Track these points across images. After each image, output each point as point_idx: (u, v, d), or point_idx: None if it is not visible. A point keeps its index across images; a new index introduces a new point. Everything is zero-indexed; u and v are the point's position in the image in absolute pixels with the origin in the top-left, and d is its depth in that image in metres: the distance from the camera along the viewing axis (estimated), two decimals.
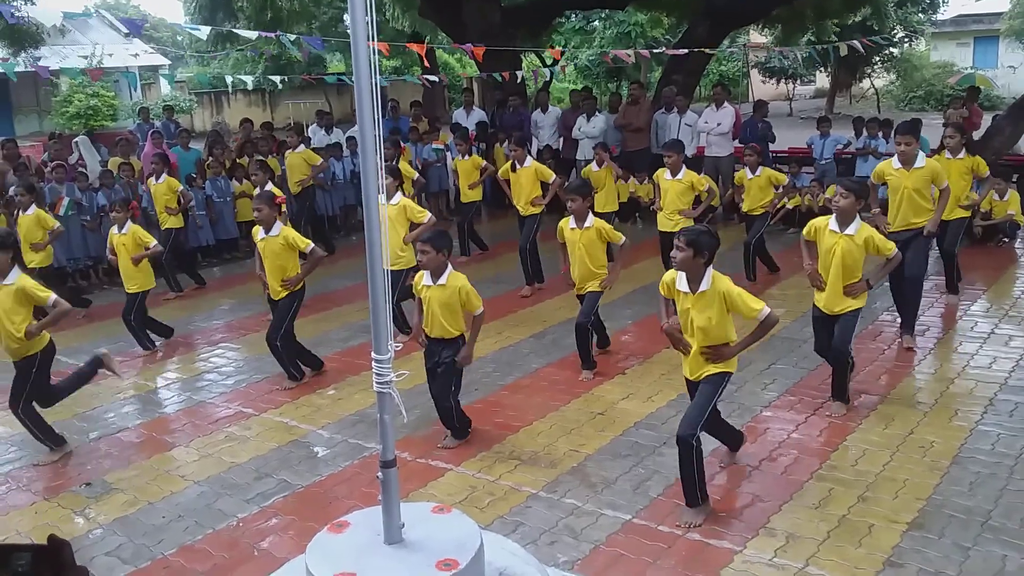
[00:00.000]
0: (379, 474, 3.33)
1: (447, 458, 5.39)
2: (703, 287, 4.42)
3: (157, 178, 10.01)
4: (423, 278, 5.40)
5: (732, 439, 5.11)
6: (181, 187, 10.22)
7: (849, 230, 5.58)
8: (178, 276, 10.07)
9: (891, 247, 5.66)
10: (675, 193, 8.32)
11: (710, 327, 4.44)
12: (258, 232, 6.74)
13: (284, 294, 6.70)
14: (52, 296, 5.45)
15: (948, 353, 6.94)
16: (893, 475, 4.87)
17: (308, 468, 5.36)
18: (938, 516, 4.43)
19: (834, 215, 5.70)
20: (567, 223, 6.73)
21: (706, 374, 4.56)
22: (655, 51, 14.13)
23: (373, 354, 3.38)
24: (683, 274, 4.50)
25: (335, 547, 3.27)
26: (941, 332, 7.48)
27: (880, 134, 12.05)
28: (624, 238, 6.73)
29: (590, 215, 6.69)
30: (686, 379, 4.76)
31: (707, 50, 13.19)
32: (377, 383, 3.38)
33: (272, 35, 11.68)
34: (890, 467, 4.98)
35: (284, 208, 7.88)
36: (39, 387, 5.65)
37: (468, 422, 5.65)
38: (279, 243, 6.59)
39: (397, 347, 3.45)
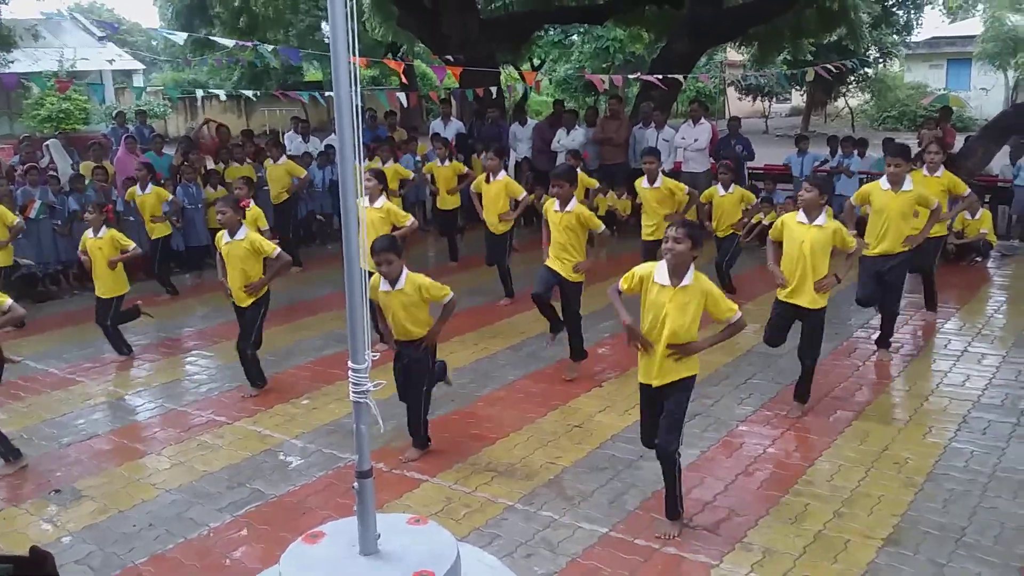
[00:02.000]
0: (355, 484, 3.31)
1: (422, 469, 5.34)
2: (686, 282, 4.35)
3: (143, 188, 9.90)
4: (380, 284, 5.34)
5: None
6: (171, 196, 10.12)
7: (818, 221, 5.70)
8: (148, 283, 9.99)
9: (854, 242, 5.87)
10: (655, 200, 8.37)
11: (683, 323, 4.35)
12: (222, 237, 6.60)
13: (250, 301, 6.59)
14: (8, 301, 5.29)
15: (922, 370, 7.00)
16: (868, 491, 4.89)
17: (281, 478, 5.30)
18: (913, 532, 4.45)
19: (800, 208, 5.82)
20: (551, 205, 6.81)
21: (671, 380, 4.45)
22: (630, 76, 14.25)
23: (350, 363, 3.37)
24: (663, 268, 4.39)
25: (310, 557, 3.23)
26: (915, 349, 7.54)
27: (855, 152, 12.20)
28: (604, 227, 6.87)
29: (573, 200, 6.74)
30: (643, 385, 4.59)
31: (680, 76, 13.26)
32: (354, 393, 3.36)
33: (250, 44, 11.60)
34: (865, 483, 5.00)
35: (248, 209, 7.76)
36: None
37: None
38: (244, 247, 6.46)
39: (374, 356, 3.45)
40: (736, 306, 4.47)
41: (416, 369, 5.42)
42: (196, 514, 4.86)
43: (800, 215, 5.81)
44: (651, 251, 8.16)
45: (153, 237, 10.04)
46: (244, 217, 6.86)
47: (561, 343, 7.08)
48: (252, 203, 7.85)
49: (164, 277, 10.15)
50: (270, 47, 11.98)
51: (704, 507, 4.78)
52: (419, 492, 5.05)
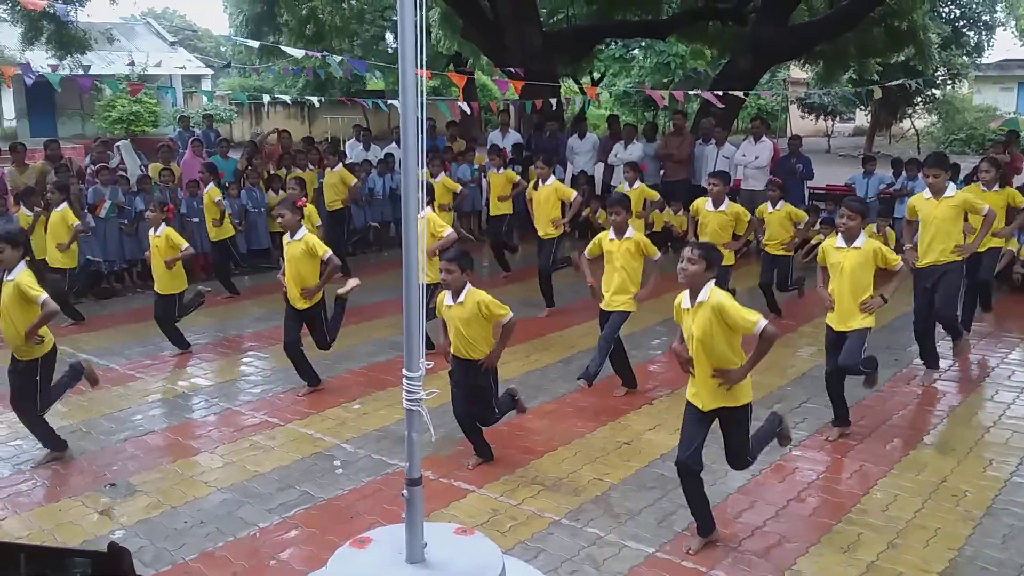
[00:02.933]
0: (404, 492, 3.33)
1: (470, 479, 5.35)
2: (701, 298, 4.34)
3: (205, 186, 10.15)
4: (445, 298, 5.39)
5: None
6: (218, 197, 10.34)
7: (855, 244, 5.70)
8: (209, 283, 10.18)
9: (898, 259, 5.81)
10: (717, 225, 8.14)
11: (707, 340, 4.30)
12: (284, 237, 6.84)
13: (306, 304, 6.74)
14: (42, 296, 5.39)
15: (983, 401, 6.81)
16: (924, 523, 4.77)
17: (330, 481, 5.35)
18: (969, 568, 4.33)
19: (839, 234, 5.79)
20: (606, 236, 6.75)
21: (719, 405, 4.39)
22: (690, 92, 14.18)
23: (404, 371, 3.40)
24: (686, 292, 4.43)
25: (357, 562, 3.25)
26: (977, 379, 7.35)
27: (919, 175, 11.93)
28: (660, 254, 6.81)
29: (630, 228, 6.70)
30: (693, 406, 4.50)
31: (742, 94, 13.12)
32: (407, 400, 3.39)
33: (318, 55, 11.82)
34: (921, 515, 4.87)
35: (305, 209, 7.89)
36: (44, 392, 5.61)
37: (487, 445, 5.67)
38: (300, 248, 6.64)
39: (428, 365, 3.47)
40: (758, 315, 4.33)
41: (479, 398, 5.47)
42: (246, 514, 4.93)
43: (839, 240, 5.79)
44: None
45: (213, 239, 10.30)
46: (302, 217, 6.99)
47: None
48: (306, 201, 7.99)
49: (226, 278, 10.35)
50: (338, 58, 12.15)
51: (754, 532, 4.70)
52: (466, 502, 5.06)
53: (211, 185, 10.28)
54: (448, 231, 7.53)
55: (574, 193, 9.10)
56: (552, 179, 9.02)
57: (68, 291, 8.90)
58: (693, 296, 4.38)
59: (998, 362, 7.73)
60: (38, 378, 5.54)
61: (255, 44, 11.17)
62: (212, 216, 10.23)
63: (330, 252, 6.73)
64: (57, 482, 5.40)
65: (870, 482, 5.31)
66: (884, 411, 6.49)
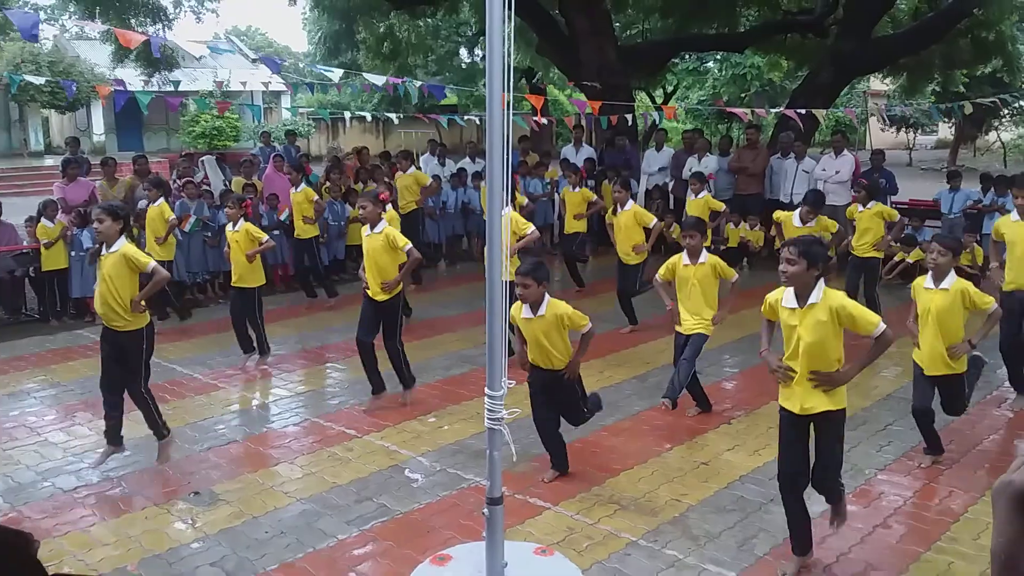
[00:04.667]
0: (485, 510, 3.33)
1: (545, 496, 5.32)
2: (813, 299, 4.17)
3: (296, 187, 10.35)
4: (521, 310, 5.39)
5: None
6: (316, 196, 10.52)
7: (944, 284, 5.46)
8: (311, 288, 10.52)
9: (989, 300, 5.53)
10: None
11: (819, 344, 4.15)
12: (364, 230, 6.90)
13: (385, 297, 6.80)
14: (152, 263, 5.55)
15: None
16: (980, 517, 4.58)
17: (407, 495, 5.38)
18: None
19: (930, 272, 5.57)
20: (680, 260, 6.62)
21: (817, 410, 4.22)
22: (772, 110, 13.99)
23: (487, 390, 3.41)
24: (790, 290, 4.25)
25: None
26: None
27: (1009, 191, 11.52)
28: (737, 275, 6.66)
29: (704, 251, 6.61)
30: (787, 411, 4.35)
31: (820, 112, 12.88)
32: (489, 419, 3.40)
33: (399, 81, 12.05)
34: (977, 512, 4.70)
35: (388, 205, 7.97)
36: (147, 365, 5.75)
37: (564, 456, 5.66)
38: (380, 240, 6.73)
39: (511, 384, 3.47)
40: (878, 318, 4.19)
41: (569, 403, 5.55)
42: (325, 525, 4.99)
43: (928, 280, 5.56)
44: None
45: (300, 237, 10.42)
46: (384, 210, 7.09)
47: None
48: (389, 197, 8.08)
49: (307, 283, 10.52)
50: (418, 83, 12.35)
51: (839, 558, 4.57)
52: (541, 520, 5.03)
53: (303, 185, 10.42)
54: (531, 229, 7.57)
55: (654, 219, 8.96)
56: (631, 204, 8.91)
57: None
58: (801, 296, 4.20)
59: None
60: (144, 347, 5.68)
61: (336, 75, 11.39)
62: (305, 214, 10.35)
63: (409, 244, 6.79)
64: (142, 489, 5.55)
65: (960, 509, 5.12)
66: (973, 436, 6.27)
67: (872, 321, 4.15)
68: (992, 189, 11.57)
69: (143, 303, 5.60)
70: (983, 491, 5.34)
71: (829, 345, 4.17)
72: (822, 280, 4.21)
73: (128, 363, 5.69)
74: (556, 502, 5.24)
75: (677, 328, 6.64)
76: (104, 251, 5.59)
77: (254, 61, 30.42)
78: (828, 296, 4.18)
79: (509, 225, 7.42)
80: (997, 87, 23.48)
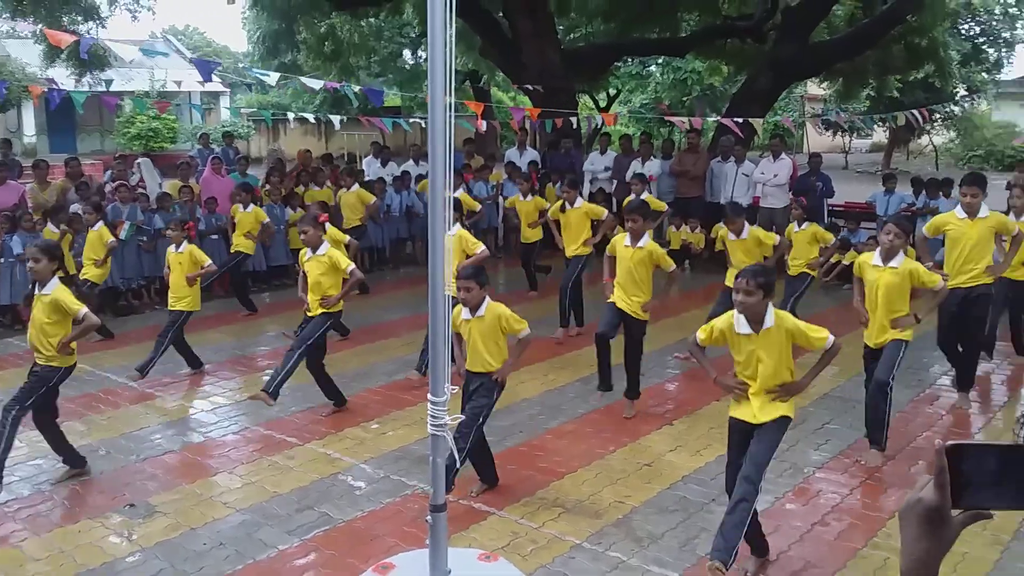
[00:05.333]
0: (428, 517, 3.28)
1: (490, 502, 5.30)
2: (767, 324, 4.34)
3: (245, 207, 10.21)
4: (461, 313, 5.35)
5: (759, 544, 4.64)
6: (266, 220, 10.37)
7: (893, 263, 5.63)
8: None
9: (936, 278, 5.71)
10: (742, 252, 7.81)
11: (777, 364, 4.34)
12: (305, 253, 6.90)
13: (320, 311, 6.77)
14: (83, 309, 5.45)
15: (1009, 422, 6.71)
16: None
17: (349, 503, 5.31)
18: None
19: (878, 251, 5.73)
20: (622, 239, 6.78)
21: (770, 419, 4.34)
22: (710, 119, 14.21)
23: (429, 396, 3.36)
24: (741, 316, 4.40)
25: None
26: (1002, 399, 7.25)
27: (940, 194, 11.84)
28: (674, 265, 6.81)
29: (646, 236, 6.69)
30: (736, 420, 4.46)
31: (756, 120, 13.08)
32: (432, 425, 3.35)
33: (337, 85, 11.93)
34: None
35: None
36: (46, 401, 5.63)
37: (493, 469, 5.52)
38: (324, 263, 6.73)
39: (454, 390, 3.43)
40: (826, 332, 4.41)
41: (472, 409, 5.28)
42: (265, 535, 4.90)
43: (875, 258, 5.73)
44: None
45: (233, 249, 10.30)
46: (325, 232, 7.06)
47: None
48: (327, 217, 8.01)
49: (243, 295, 10.36)
50: (356, 87, 12.22)
51: (779, 556, 4.63)
52: (486, 525, 5.01)
53: (252, 206, 10.29)
54: (481, 248, 7.49)
55: (606, 212, 9.04)
56: (580, 201, 8.94)
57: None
58: (755, 322, 4.36)
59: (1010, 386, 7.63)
60: (50, 385, 5.57)
61: (273, 79, 11.21)
62: (251, 231, 10.21)
63: (353, 266, 6.88)
64: (76, 502, 5.39)
65: (895, 506, 5.23)
66: (908, 433, 6.41)
67: (822, 337, 4.39)
68: (924, 192, 11.88)
69: (70, 345, 5.55)
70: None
71: (785, 363, 4.37)
72: (771, 305, 4.38)
73: (28, 386, 5.56)
74: (501, 507, 5.23)
75: (610, 298, 6.77)
76: (37, 290, 5.53)
77: (190, 62, 29.90)
78: (780, 318, 4.37)
79: (458, 243, 7.38)
80: (930, 92, 24.17)
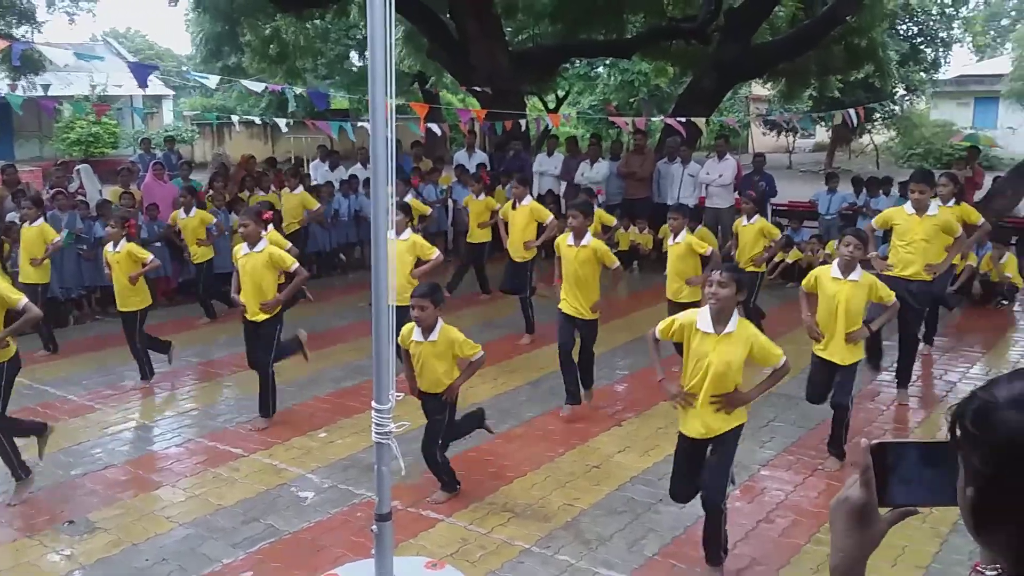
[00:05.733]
0: (373, 527, 3.27)
1: (439, 508, 5.28)
2: (729, 328, 4.30)
3: (187, 211, 10.03)
4: (412, 333, 5.27)
5: None
6: (215, 219, 10.19)
7: (853, 276, 5.63)
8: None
9: (891, 294, 5.79)
10: (675, 255, 7.79)
11: (729, 371, 4.29)
12: (240, 249, 6.64)
13: (264, 317, 6.58)
14: (23, 300, 5.24)
15: (946, 417, 6.86)
16: (892, 541, 4.72)
17: (296, 514, 5.25)
18: None
19: (836, 263, 5.75)
20: (565, 239, 6.78)
21: (719, 433, 4.36)
22: (654, 119, 14.35)
23: (374, 403, 3.35)
24: (706, 314, 4.33)
25: None
26: (940, 394, 7.42)
27: (880, 192, 12.10)
28: (618, 262, 6.81)
29: (588, 234, 6.69)
30: (685, 436, 4.48)
31: (702, 120, 13.24)
32: (376, 433, 3.34)
33: (279, 88, 11.79)
34: (889, 533, 4.85)
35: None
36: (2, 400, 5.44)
37: (454, 476, 5.49)
38: (262, 260, 6.49)
39: (399, 397, 3.42)
40: (781, 350, 4.41)
41: (431, 426, 5.34)
42: (209, 550, 4.81)
43: (834, 270, 5.72)
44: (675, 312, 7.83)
45: (196, 261, 10.15)
46: (266, 230, 6.89)
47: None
48: (272, 215, 7.87)
49: (207, 301, 10.20)
50: (299, 89, 12.09)
51: (725, 555, 4.67)
52: (435, 532, 4.99)
53: (195, 210, 10.14)
54: (436, 254, 7.41)
55: (550, 216, 9.01)
56: (528, 199, 8.95)
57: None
58: (719, 322, 4.31)
59: (959, 377, 7.82)
60: (2, 382, 5.38)
61: (213, 81, 11.04)
62: (198, 237, 10.07)
63: (297, 264, 6.64)
64: (13, 520, 5.24)
65: None
66: (851, 428, 6.51)
67: (777, 354, 4.36)
68: (864, 191, 12.13)
69: (7, 339, 5.33)
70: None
71: (735, 372, 4.32)
72: (736, 310, 4.36)
73: None
74: (449, 513, 5.21)
75: (560, 306, 6.78)
76: None
77: (130, 66, 29.36)
78: (743, 326, 4.34)
79: (413, 249, 7.31)
80: (870, 92, 24.66)
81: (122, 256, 7.52)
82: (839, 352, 5.69)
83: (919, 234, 6.74)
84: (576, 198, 8.28)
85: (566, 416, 6.77)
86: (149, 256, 7.65)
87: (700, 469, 4.44)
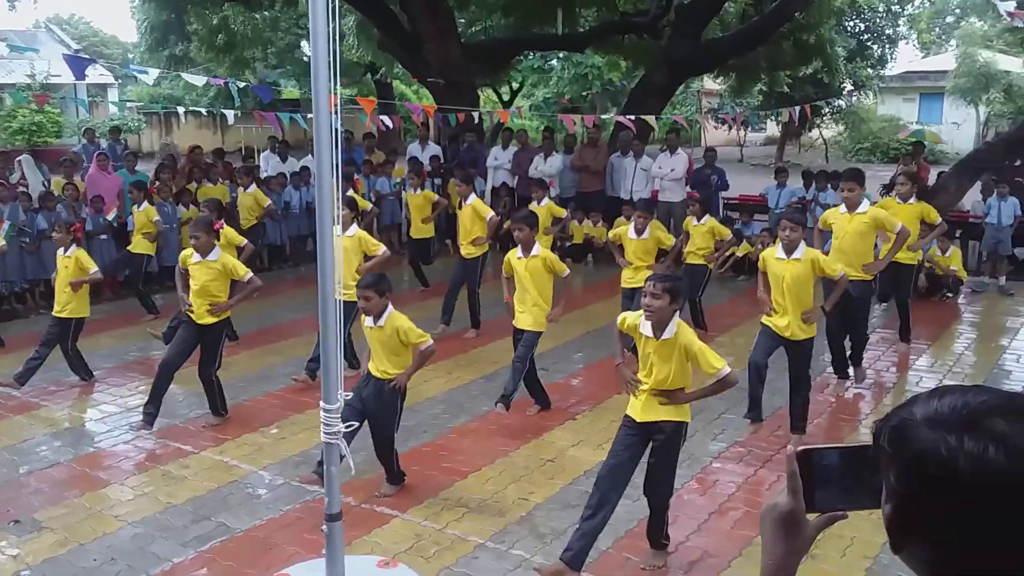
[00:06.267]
0: (324, 527, 3.24)
1: (392, 504, 5.25)
2: (667, 335, 4.36)
3: (138, 205, 9.84)
4: (365, 320, 5.30)
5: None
6: (157, 217, 10.00)
7: (795, 255, 5.88)
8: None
9: (838, 267, 6.04)
10: (641, 251, 7.98)
11: (668, 374, 4.37)
12: (191, 256, 6.59)
13: (211, 320, 6.51)
14: None
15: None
16: (840, 532, 4.85)
17: (248, 511, 5.18)
18: None
19: (780, 245, 5.95)
20: (514, 253, 6.75)
21: (655, 418, 4.40)
22: (604, 117, 14.47)
23: (322, 403, 3.31)
24: (648, 322, 4.42)
25: None
26: (887, 386, 7.57)
27: (828, 186, 12.30)
28: (568, 270, 6.83)
29: (536, 245, 6.71)
30: (631, 418, 4.50)
31: (652, 118, 13.34)
32: (325, 433, 3.30)
33: (222, 81, 11.61)
34: (837, 524, 4.92)
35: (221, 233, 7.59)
36: None
37: (401, 468, 5.49)
38: (216, 268, 6.45)
39: (347, 396, 3.39)
40: (724, 362, 4.41)
41: (384, 414, 5.30)
42: (159, 548, 4.73)
43: (779, 251, 5.96)
44: (629, 297, 7.94)
45: (135, 251, 9.93)
46: (218, 239, 6.82)
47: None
48: (223, 224, 7.78)
49: (145, 296, 10.01)
50: (242, 83, 11.87)
51: (677, 547, 4.73)
52: (388, 528, 4.96)
53: (145, 204, 9.95)
54: (382, 249, 7.38)
55: (490, 212, 8.95)
56: (472, 197, 8.89)
57: None
58: (658, 328, 4.38)
59: (908, 365, 7.99)
60: None
61: (151, 76, 10.82)
62: (148, 231, 9.87)
63: (250, 273, 6.58)
64: None
65: None
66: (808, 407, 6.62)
67: (715, 364, 4.36)
68: (813, 184, 12.33)
69: None
70: None
71: (678, 375, 4.40)
72: (677, 315, 4.41)
73: None
74: (404, 509, 5.19)
75: (513, 323, 6.74)
76: None
77: (77, 52, 28.64)
78: (681, 331, 4.39)
79: (359, 245, 7.27)
80: (818, 87, 25.04)
81: (71, 262, 7.38)
82: (791, 328, 5.93)
83: (850, 232, 6.92)
84: (518, 211, 8.24)
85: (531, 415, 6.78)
86: (94, 267, 7.51)
87: (633, 457, 4.45)
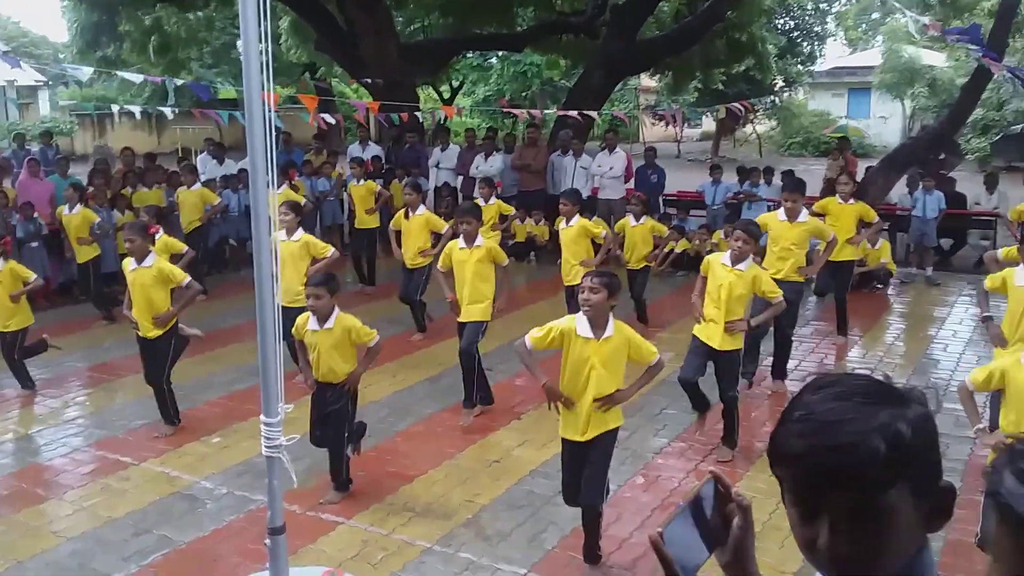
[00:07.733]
0: (267, 541, 3.24)
1: (338, 511, 5.25)
2: (608, 333, 4.40)
3: (71, 208, 9.61)
4: (307, 322, 5.28)
5: None
6: (98, 219, 9.79)
7: (740, 267, 5.86)
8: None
9: (777, 292, 5.97)
10: (569, 239, 8.13)
11: (610, 374, 4.40)
12: (129, 263, 6.46)
13: (158, 332, 6.41)
14: None
15: None
16: (779, 524, 4.98)
17: (191, 523, 5.13)
18: None
19: (728, 252, 5.97)
20: (455, 244, 6.79)
21: (598, 433, 4.45)
22: (547, 112, 14.56)
23: (263, 416, 3.31)
24: (585, 320, 4.41)
25: None
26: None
27: (762, 181, 12.59)
28: (508, 259, 6.91)
29: (479, 236, 6.76)
30: (567, 441, 4.57)
31: (594, 113, 13.48)
32: (266, 447, 3.30)
33: (158, 80, 11.40)
34: (776, 515, 5.08)
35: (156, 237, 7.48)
36: None
37: (349, 475, 5.51)
38: (151, 275, 6.31)
39: (288, 409, 3.39)
40: (655, 348, 4.56)
41: (336, 416, 5.32)
42: (99, 564, 4.67)
43: (725, 258, 5.95)
44: (572, 295, 8.02)
45: (80, 261, 9.80)
46: (153, 244, 6.72)
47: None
48: (161, 230, 7.67)
49: (101, 300, 9.80)
50: (179, 82, 11.65)
51: (621, 544, 4.82)
52: (334, 536, 4.96)
53: (79, 206, 9.77)
54: (331, 251, 7.38)
55: (446, 226, 8.91)
56: (423, 209, 8.80)
57: None
58: (597, 327, 4.39)
59: (836, 360, 8.22)
60: None
61: (84, 74, 10.57)
62: (80, 235, 9.71)
63: (189, 278, 6.47)
64: None
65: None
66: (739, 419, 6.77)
67: (651, 351, 4.51)
68: (749, 179, 12.61)
69: None
70: (748, 467, 5.82)
71: (618, 373, 4.44)
72: (611, 313, 4.45)
73: None
74: (350, 516, 5.19)
75: (459, 319, 6.78)
76: None
77: (5, 53, 27.81)
78: (620, 329, 4.46)
79: (306, 249, 7.25)
80: (751, 84, 25.54)
81: (4, 275, 7.18)
82: (717, 337, 5.88)
83: (790, 239, 7.15)
84: (462, 204, 8.30)
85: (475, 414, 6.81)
86: (32, 276, 7.36)
87: (582, 469, 4.51)
